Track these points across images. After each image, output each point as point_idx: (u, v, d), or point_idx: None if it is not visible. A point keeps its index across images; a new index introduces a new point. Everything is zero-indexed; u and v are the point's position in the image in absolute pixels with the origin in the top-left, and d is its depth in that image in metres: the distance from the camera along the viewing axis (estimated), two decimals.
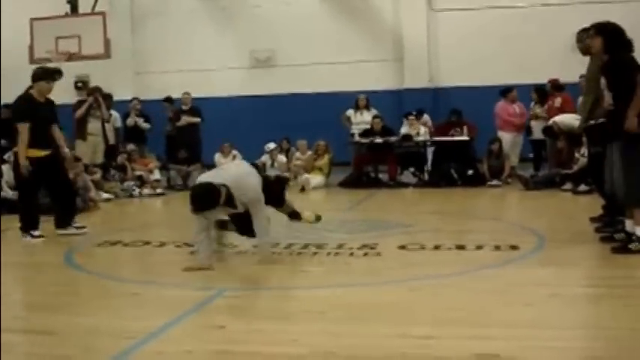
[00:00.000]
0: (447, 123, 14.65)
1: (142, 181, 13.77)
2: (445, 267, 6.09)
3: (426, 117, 15.49)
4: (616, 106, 6.35)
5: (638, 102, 6.15)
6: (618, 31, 6.54)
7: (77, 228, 8.60)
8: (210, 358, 3.86)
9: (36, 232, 8.16)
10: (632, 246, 6.24)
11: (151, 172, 14.08)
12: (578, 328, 4.33)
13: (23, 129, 8.10)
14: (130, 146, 14.57)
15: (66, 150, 8.81)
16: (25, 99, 8.39)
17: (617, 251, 6.30)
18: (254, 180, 6.39)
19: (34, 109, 8.25)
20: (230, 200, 6.15)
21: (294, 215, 7.25)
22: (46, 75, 8.43)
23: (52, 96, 14.18)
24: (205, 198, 6.05)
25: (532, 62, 15.94)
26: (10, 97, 8.80)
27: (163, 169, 14.83)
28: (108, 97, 14.98)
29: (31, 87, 8.42)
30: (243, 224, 6.53)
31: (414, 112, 15.08)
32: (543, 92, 13.87)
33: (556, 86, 13.41)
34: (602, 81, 6.56)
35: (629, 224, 6.48)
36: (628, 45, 6.48)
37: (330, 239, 7.50)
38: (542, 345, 3.84)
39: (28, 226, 8.16)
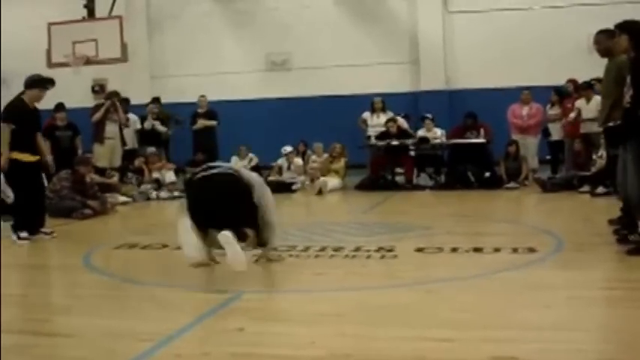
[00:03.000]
0: (462, 126, 14.61)
1: (159, 184, 13.82)
2: (462, 269, 6.08)
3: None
4: (633, 104, 6.33)
5: None
6: None
7: (46, 233, 8.56)
8: None
9: (23, 234, 8.21)
10: None
11: (168, 174, 14.10)
12: (595, 330, 4.31)
13: (5, 129, 8.16)
14: (150, 149, 14.62)
15: (48, 157, 8.96)
16: (17, 103, 8.47)
17: (632, 253, 6.28)
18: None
19: (23, 114, 8.34)
20: None
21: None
22: (40, 83, 8.50)
23: (70, 99, 14.41)
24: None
25: (548, 64, 15.88)
26: None
27: (180, 172, 14.85)
28: (125, 101, 15.07)
29: (23, 92, 8.49)
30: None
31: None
32: (561, 93, 13.84)
33: (577, 87, 13.30)
34: (628, 79, 6.51)
35: None
36: None
37: (347, 242, 7.50)
38: (560, 347, 3.83)
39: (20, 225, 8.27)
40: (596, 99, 11.50)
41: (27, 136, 8.33)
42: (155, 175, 14.02)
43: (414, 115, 15.99)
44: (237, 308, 4.98)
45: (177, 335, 4.24)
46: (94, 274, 6.48)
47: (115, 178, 12.95)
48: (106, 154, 13.35)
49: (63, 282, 6.35)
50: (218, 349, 3.99)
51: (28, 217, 8.37)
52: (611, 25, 7.09)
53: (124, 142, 14.03)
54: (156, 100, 15.88)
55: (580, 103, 12.60)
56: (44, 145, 8.95)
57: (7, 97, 8.95)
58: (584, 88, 12.52)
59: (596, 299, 5.04)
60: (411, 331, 4.22)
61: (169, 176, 14.10)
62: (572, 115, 12.74)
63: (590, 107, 11.99)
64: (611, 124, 7.27)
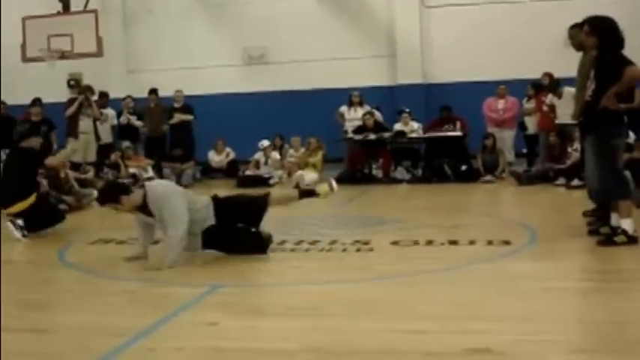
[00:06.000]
0: (439, 119, 14.66)
1: (135, 179, 13.74)
2: (438, 262, 6.10)
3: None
4: (594, 99, 6.48)
5: (619, 86, 6.32)
6: (612, 29, 6.58)
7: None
8: (202, 355, 3.86)
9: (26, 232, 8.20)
10: (617, 239, 6.32)
11: (144, 169, 14.05)
12: (569, 321, 4.33)
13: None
14: (125, 143, 14.54)
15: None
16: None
17: (603, 244, 6.37)
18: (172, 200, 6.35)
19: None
20: (144, 207, 6.36)
21: (307, 194, 7.45)
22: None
23: (46, 94, 14.29)
24: (107, 192, 6.64)
25: (525, 58, 15.92)
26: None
27: (156, 167, 14.78)
28: (104, 96, 15.00)
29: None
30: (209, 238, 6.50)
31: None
32: (538, 87, 13.90)
33: (551, 82, 13.32)
34: (591, 74, 6.64)
35: (614, 218, 6.55)
36: (620, 42, 6.54)
37: (323, 235, 7.50)
38: (533, 339, 3.86)
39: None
40: (569, 92, 11.57)
41: None
42: (132, 170, 13.95)
43: (391, 109, 16.00)
44: (211, 303, 4.97)
45: (151, 330, 4.23)
46: (69, 270, 6.48)
47: (91, 173, 12.86)
48: (80, 148, 13.27)
49: (38, 277, 6.31)
50: (192, 344, 3.98)
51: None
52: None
53: (98, 137, 13.95)
54: (153, 91, 15.74)
55: (551, 98, 12.72)
56: None
57: None
58: (554, 88, 12.64)
59: (569, 291, 5.07)
60: (384, 323, 4.24)
61: (148, 172, 14.04)
62: (545, 108, 12.86)
63: (562, 102, 12.09)
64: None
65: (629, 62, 6.36)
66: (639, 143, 10.40)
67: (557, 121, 12.57)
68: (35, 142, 8.82)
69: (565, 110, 11.83)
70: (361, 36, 17.91)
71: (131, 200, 6.34)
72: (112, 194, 6.46)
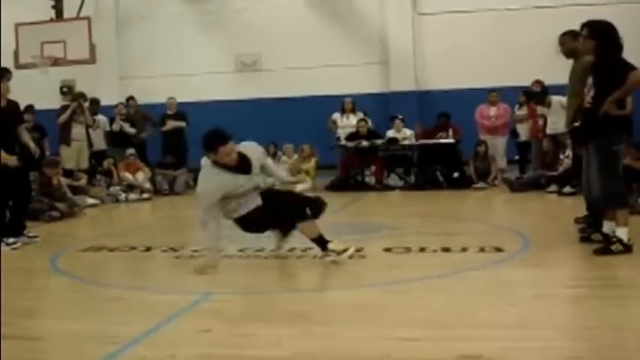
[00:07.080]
0: (435, 126, 14.68)
1: (130, 186, 13.71)
2: (430, 269, 6.11)
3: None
4: (595, 105, 6.43)
5: (623, 91, 6.26)
6: (612, 34, 6.50)
7: (30, 237, 8.46)
8: None
9: (10, 240, 8.03)
10: (613, 247, 6.27)
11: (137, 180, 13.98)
12: (561, 328, 4.34)
13: None
14: (130, 150, 14.44)
15: (31, 145, 8.72)
16: None
17: (599, 253, 6.32)
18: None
19: None
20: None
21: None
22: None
23: (38, 100, 14.26)
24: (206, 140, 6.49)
25: (517, 65, 15.99)
26: None
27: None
28: (95, 103, 14.95)
29: None
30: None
31: (400, 116, 15.11)
32: (530, 94, 13.93)
33: (543, 90, 13.32)
34: (589, 80, 6.59)
35: (606, 226, 6.54)
36: (619, 47, 6.49)
37: None
38: (525, 345, 3.86)
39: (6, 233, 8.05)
40: (557, 101, 11.58)
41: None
42: (129, 177, 13.89)
43: (384, 116, 16.02)
44: (203, 310, 4.97)
45: (143, 337, 4.22)
46: (62, 277, 6.45)
47: (83, 180, 12.84)
48: (72, 155, 13.23)
49: (30, 285, 6.29)
50: (184, 351, 3.97)
51: (13, 220, 8.26)
52: (577, 27, 7.12)
53: (90, 144, 13.92)
54: (131, 99, 15.75)
55: (541, 108, 12.77)
56: (27, 135, 8.79)
57: None
58: (541, 99, 12.67)
59: (561, 297, 5.08)
60: (377, 330, 4.24)
61: (142, 179, 13.99)
62: (541, 122, 12.90)
63: (552, 111, 12.14)
64: (576, 124, 7.32)
65: (632, 67, 6.27)
66: (629, 150, 10.42)
67: (547, 131, 12.58)
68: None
69: (555, 119, 11.88)
70: (354, 43, 17.96)
71: (227, 151, 6.37)
72: (210, 143, 6.45)
